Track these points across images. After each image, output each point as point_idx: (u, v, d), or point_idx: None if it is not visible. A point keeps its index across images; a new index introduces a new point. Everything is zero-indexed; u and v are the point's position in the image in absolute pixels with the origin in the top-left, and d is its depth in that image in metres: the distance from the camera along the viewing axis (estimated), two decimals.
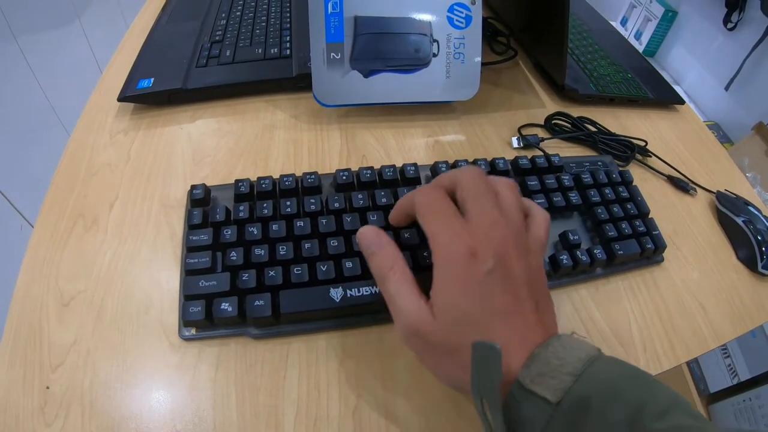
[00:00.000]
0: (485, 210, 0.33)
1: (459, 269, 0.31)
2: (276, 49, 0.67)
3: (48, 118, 1.48)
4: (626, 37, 0.92)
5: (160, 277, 0.45)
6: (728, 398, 1.19)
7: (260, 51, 0.67)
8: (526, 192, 0.52)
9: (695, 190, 0.62)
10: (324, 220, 0.45)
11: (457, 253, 0.31)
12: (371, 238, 0.36)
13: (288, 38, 0.69)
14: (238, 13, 0.75)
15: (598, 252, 0.49)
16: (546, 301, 0.34)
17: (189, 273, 0.43)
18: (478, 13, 0.59)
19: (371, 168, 0.50)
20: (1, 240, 1.21)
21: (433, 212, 0.34)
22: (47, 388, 0.38)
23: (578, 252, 0.48)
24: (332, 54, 0.56)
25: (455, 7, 0.58)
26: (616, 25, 1.83)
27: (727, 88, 1.47)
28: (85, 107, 0.62)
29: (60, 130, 1.49)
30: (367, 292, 0.42)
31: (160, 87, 0.61)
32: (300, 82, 0.63)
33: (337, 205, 0.47)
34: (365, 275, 0.43)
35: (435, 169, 0.52)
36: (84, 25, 1.68)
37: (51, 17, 1.55)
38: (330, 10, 0.55)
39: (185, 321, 0.41)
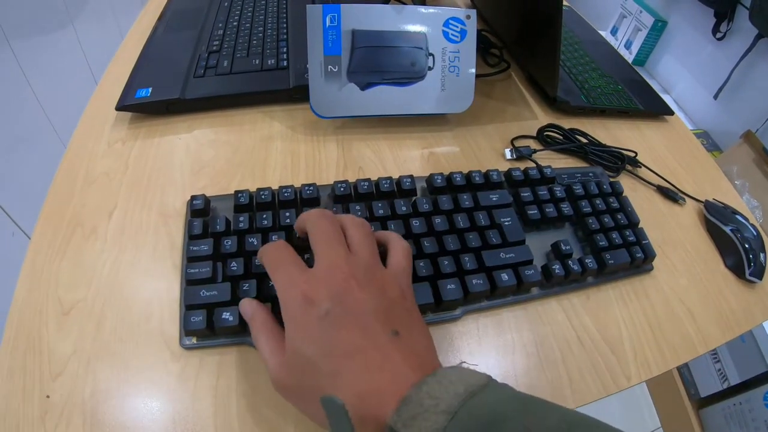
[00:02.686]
0: (327, 253, 0.35)
1: (297, 316, 0.32)
2: (273, 60, 0.67)
3: (40, 123, 1.48)
4: (616, 46, 0.94)
5: (160, 287, 0.46)
6: (718, 402, 1.20)
7: (257, 62, 0.67)
8: (519, 203, 0.54)
9: (684, 200, 0.63)
10: None
11: (294, 301, 0.33)
12: (245, 303, 0.40)
13: (285, 49, 0.70)
14: (235, 23, 0.76)
15: (590, 261, 0.50)
16: (412, 327, 0.33)
17: (190, 283, 0.43)
18: (472, 27, 0.60)
19: (368, 180, 0.51)
20: None
21: (275, 264, 0.36)
22: (47, 397, 0.38)
23: (570, 262, 0.49)
24: (330, 67, 0.57)
25: (450, 21, 0.59)
26: (606, 34, 1.86)
27: (716, 97, 1.49)
28: (82, 116, 0.62)
29: (52, 136, 1.49)
30: None
31: (158, 97, 0.61)
32: (297, 94, 0.64)
33: None
34: None
35: (430, 181, 0.53)
36: (77, 29, 1.68)
37: (44, 21, 1.54)
38: (328, 23, 0.56)
39: (186, 330, 0.41)
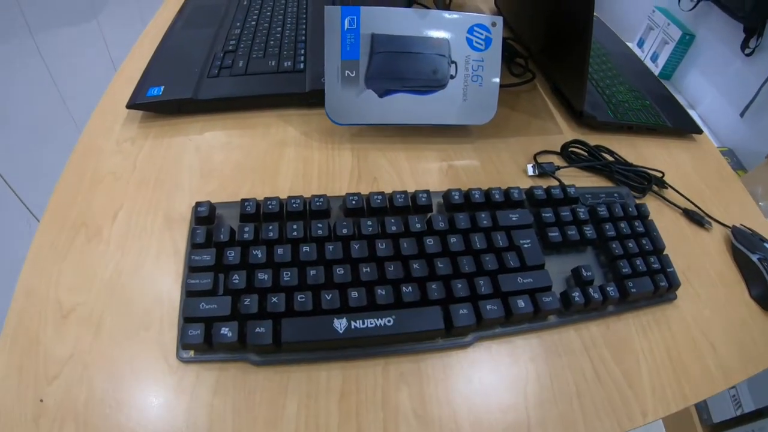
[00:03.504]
0: None
1: None
2: (290, 63, 0.66)
3: (60, 115, 1.48)
4: (642, 59, 0.91)
5: (161, 295, 0.44)
6: (731, 429, 1.16)
7: (273, 63, 0.66)
8: (540, 224, 0.51)
9: (710, 224, 0.60)
10: (331, 247, 0.44)
11: None
12: None
13: (303, 51, 0.68)
14: (254, 23, 0.74)
15: (611, 290, 0.47)
16: None
17: (190, 294, 0.42)
18: (498, 35, 0.58)
19: (382, 193, 0.49)
20: (9, 235, 1.21)
21: None
22: (41, 401, 0.38)
23: (591, 289, 0.47)
24: (347, 71, 0.55)
25: (475, 28, 0.57)
26: (632, 46, 1.81)
27: (742, 115, 1.45)
28: (94, 113, 0.61)
29: (72, 129, 1.49)
30: (372, 324, 0.41)
31: (170, 96, 0.60)
32: (312, 98, 0.62)
33: (345, 231, 0.46)
34: (371, 306, 0.42)
35: (448, 197, 0.51)
36: (101, 24, 1.68)
37: (68, 15, 1.55)
38: (347, 26, 0.54)
39: (184, 344, 0.40)
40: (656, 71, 1.70)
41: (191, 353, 0.41)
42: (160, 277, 0.46)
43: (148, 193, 0.52)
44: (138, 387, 0.39)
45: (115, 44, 1.72)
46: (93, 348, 0.41)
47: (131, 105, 0.59)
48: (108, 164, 0.55)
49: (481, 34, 0.57)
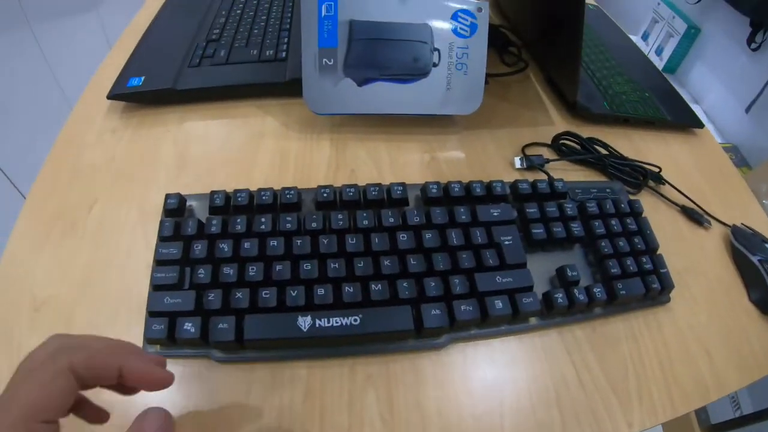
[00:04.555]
0: None
1: None
2: (272, 51, 0.63)
3: (60, 107, 1.47)
4: (646, 52, 0.88)
5: (131, 289, 0.43)
6: (729, 431, 1.14)
7: (255, 52, 0.63)
8: (524, 220, 0.49)
9: (710, 223, 0.57)
10: (299, 241, 0.42)
11: None
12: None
13: (286, 40, 0.65)
14: (239, 11, 0.72)
15: (598, 291, 0.45)
16: None
17: (156, 288, 0.41)
18: (484, 21, 0.55)
19: (355, 186, 0.47)
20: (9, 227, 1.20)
21: None
22: None
23: (575, 290, 0.44)
24: (324, 60, 0.53)
25: (459, 14, 0.54)
26: (636, 39, 1.78)
27: (747, 110, 1.41)
28: (77, 104, 0.61)
29: None
30: (337, 323, 0.39)
31: (149, 86, 0.58)
32: (292, 87, 0.59)
33: (314, 225, 0.43)
34: (337, 304, 0.40)
35: (425, 190, 0.48)
36: (101, 14, 1.66)
37: (67, 4, 1.53)
38: (324, 12, 0.52)
39: (148, 338, 0.39)
40: (661, 65, 1.66)
41: (157, 348, 0.40)
42: (131, 271, 0.45)
43: (124, 186, 0.52)
44: None
45: (114, 35, 1.71)
46: None
47: (112, 95, 0.58)
48: (88, 156, 0.54)
49: (466, 20, 0.54)
